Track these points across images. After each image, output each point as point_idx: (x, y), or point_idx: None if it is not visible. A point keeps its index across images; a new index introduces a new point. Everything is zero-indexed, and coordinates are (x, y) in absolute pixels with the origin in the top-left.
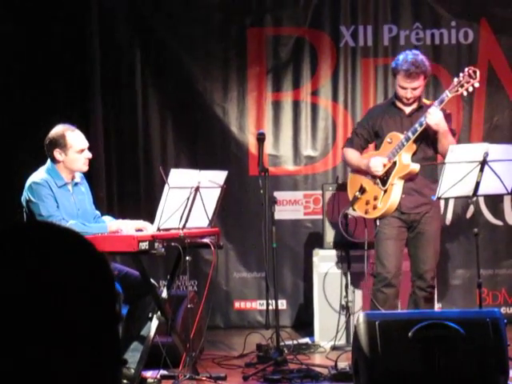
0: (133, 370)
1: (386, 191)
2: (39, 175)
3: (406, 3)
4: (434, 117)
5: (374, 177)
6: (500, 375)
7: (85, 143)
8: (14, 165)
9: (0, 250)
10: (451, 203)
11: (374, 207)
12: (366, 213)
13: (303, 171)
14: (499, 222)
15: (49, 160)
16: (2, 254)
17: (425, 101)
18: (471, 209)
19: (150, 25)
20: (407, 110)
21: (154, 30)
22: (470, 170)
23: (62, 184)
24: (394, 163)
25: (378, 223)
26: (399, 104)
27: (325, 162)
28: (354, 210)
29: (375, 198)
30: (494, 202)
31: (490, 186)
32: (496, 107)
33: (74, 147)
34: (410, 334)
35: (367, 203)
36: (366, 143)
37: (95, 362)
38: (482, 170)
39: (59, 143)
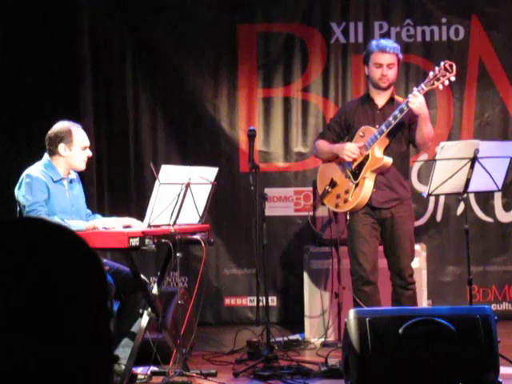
0: (123, 366)
1: (357, 185)
2: (36, 169)
3: (397, 0)
4: (417, 101)
5: (345, 170)
6: (490, 372)
7: (88, 141)
8: (3, 164)
9: None
10: (442, 200)
11: (345, 201)
12: (337, 206)
13: (294, 168)
14: (489, 219)
15: (46, 155)
16: None
17: (397, 97)
18: (462, 206)
19: (140, 22)
20: (380, 103)
21: (144, 27)
22: (460, 166)
23: (58, 179)
24: (367, 156)
25: (347, 217)
26: (373, 94)
27: (315, 159)
28: (323, 204)
29: (346, 192)
30: (485, 198)
31: (480, 183)
32: (487, 104)
33: (79, 144)
34: (400, 331)
35: (338, 197)
36: (338, 137)
37: (88, 358)
38: (472, 166)
39: (65, 138)
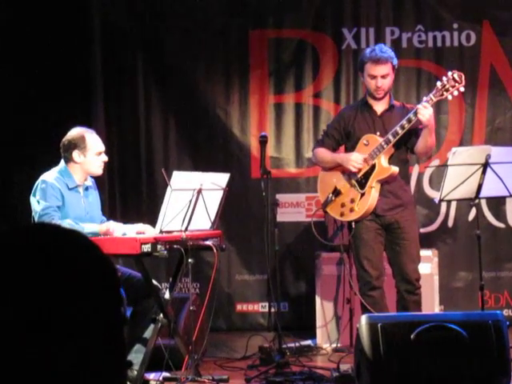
0: (135, 372)
1: (363, 194)
2: (51, 175)
3: (409, 5)
4: (427, 113)
5: (350, 179)
6: (502, 378)
7: (102, 146)
8: (14, 169)
9: (6, 251)
10: (453, 205)
11: (351, 210)
12: (342, 215)
13: (305, 173)
14: (501, 225)
15: (62, 161)
16: (8, 255)
17: (395, 102)
18: (473, 211)
19: (151, 28)
20: (379, 109)
21: (155, 33)
22: (472, 172)
23: (73, 186)
24: (373, 166)
25: (353, 226)
26: (371, 101)
27: None
28: (325, 212)
29: (352, 201)
30: (497, 204)
31: (492, 189)
32: (498, 109)
33: (93, 149)
34: (412, 337)
35: (342, 205)
36: (337, 145)
37: (101, 365)
38: (484, 172)
39: (79, 145)
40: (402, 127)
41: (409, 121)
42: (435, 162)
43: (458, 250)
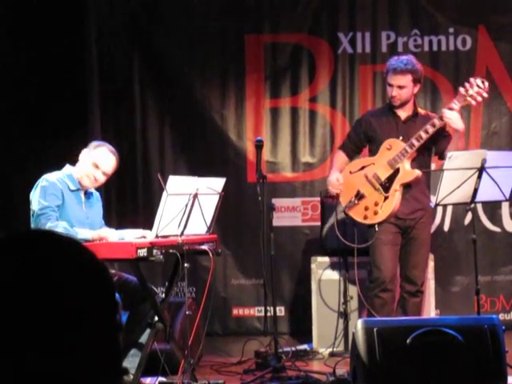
0: (132, 376)
1: (387, 197)
2: (54, 175)
3: (405, 10)
4: (453, 116)
5: (373, 183)
6: (498, 382)
7: (106, 167)
8: (12, 174)
9: None
10: (449, 210)
11: (375, 213)
12: (365, 218)
13: (301, 178)
14: (497, 229)
15: (67, 165)
16: (0, 262)
17: (420, 110)
18: (469, 215)
19: (147, 33)
20: (403, 115)
21: (151, 37)
22: (468, 176)
23: (75, 189)
24: (397, 170)
25: (376, 228)
26: (394, 108)
27: (323, 169)
28: (347, 215)
29: (376, 204)
30: (492, 208)
31: (487, 193)
32: (494, 114)
33: (94, 160)
34: (408, 341)
35: (366, 209)
36: (356, 148)
37: (96, 372)
38: (480, 176)
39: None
40: (426, 132)
41: (433, 125)
42: (431, 167)
43: (453, 254)
